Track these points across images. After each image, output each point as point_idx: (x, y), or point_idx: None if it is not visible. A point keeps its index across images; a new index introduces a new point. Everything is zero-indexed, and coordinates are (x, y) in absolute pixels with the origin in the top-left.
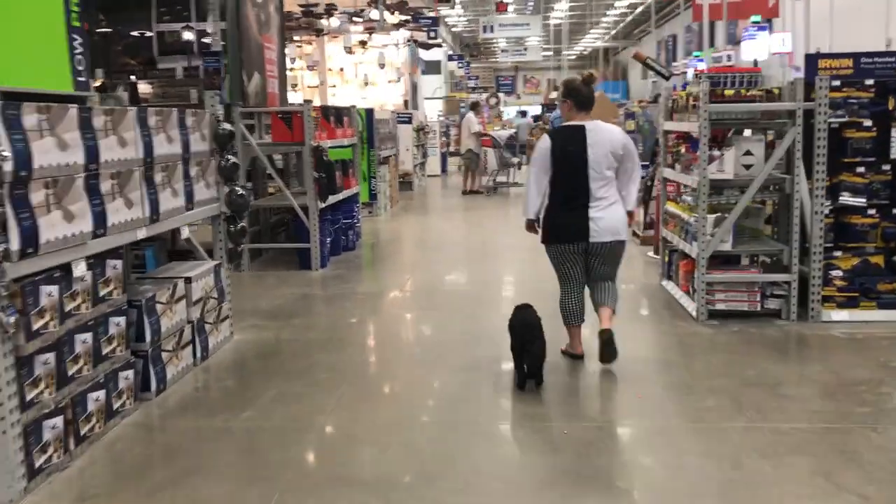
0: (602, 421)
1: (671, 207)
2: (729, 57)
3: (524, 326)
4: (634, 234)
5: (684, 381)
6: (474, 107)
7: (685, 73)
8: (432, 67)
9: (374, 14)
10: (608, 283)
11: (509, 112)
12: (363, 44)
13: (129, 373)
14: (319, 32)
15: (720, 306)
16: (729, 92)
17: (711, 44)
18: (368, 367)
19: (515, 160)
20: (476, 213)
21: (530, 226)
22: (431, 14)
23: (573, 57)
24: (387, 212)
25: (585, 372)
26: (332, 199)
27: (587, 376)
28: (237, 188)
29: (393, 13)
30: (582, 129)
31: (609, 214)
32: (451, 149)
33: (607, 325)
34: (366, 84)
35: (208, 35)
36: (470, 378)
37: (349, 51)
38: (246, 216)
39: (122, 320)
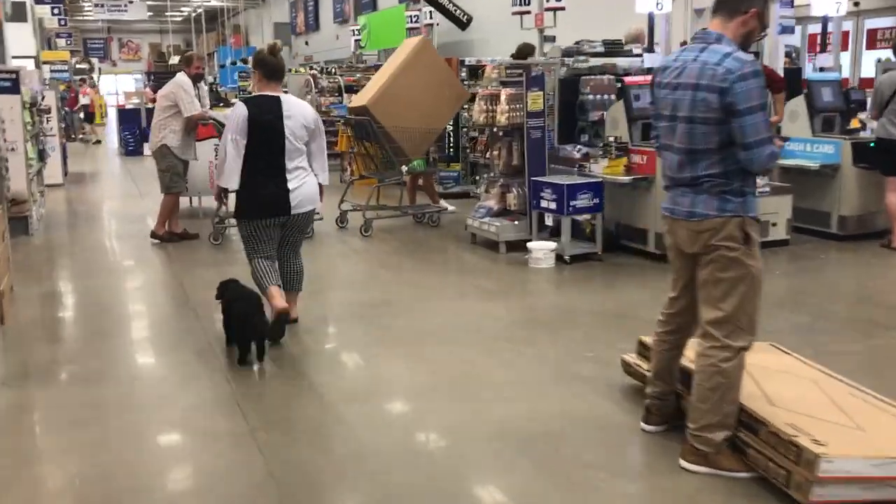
0: None
1: None
2: None
3: (244, 300)
4: None
5: None
6: (188, 63)
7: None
8: (17, 13)
9: None
10: (297, 260)
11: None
12: None
13: None
14: None
15: None
16: None
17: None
18: None
19: None
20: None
21: (219, 195)
22: None
23: (179, 18)
24: None
25: None
26: None
27: None
28: None
29: None
30: (277, 99)
31: (306, 183)
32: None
33: (286, 306)
34: None
35: None
36: None
37: None
38: None
39: None
